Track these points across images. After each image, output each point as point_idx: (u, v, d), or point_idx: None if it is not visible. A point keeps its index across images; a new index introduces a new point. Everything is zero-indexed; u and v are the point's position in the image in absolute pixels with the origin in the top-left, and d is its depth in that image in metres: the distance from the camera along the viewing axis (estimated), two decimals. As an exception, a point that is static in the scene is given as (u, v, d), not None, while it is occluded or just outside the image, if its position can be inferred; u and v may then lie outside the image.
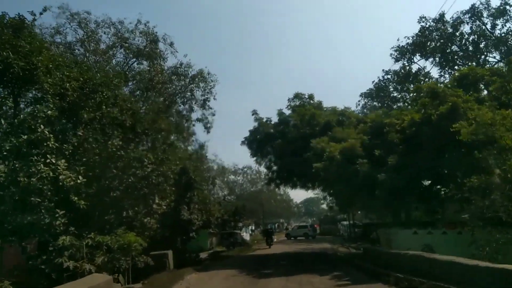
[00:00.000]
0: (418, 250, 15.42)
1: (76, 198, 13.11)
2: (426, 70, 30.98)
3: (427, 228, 18.96)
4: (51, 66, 15.01)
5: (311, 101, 25.63)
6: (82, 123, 17.49)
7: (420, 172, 17.59)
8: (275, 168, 26.93)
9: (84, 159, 16.07)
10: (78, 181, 13.24)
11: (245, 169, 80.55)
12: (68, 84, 15.30)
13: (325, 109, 25.33)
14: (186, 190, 20.81)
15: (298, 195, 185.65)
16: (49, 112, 13.99)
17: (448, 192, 18.40)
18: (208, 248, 44.97)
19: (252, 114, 26.95)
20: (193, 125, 36.78)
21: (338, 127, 22.46)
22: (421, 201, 19.82)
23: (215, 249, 45.28)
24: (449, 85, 19.63)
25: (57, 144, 13.49)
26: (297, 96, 26.03)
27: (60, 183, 12.71)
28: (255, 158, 27.38)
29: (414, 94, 20.81)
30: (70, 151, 14.96)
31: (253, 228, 77.78)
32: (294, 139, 23.97)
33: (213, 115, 35.12)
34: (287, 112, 25.87)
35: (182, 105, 34.98)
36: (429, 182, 20.05)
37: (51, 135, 13.32)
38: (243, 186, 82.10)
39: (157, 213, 20.11)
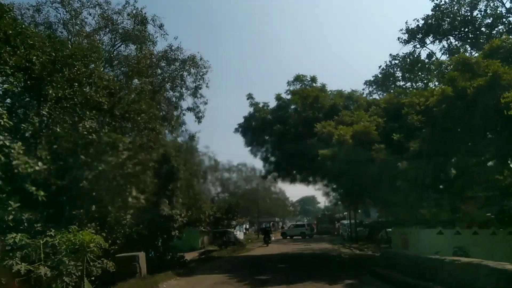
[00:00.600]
0: (448, 254, 12.24)
1: (33, 188, 10.87)
2: (436, 56, 27.69)
3: (445, 227, 15.74)
4: (11, 33, 12.66)
5: (314, 84, 22.21)
6: (48, 101, 14.63)
7: (449, 159, 14.31)
8: (272, 159, 23.47)
9: (50, 144, 13.35)
10: (37, 167, 11.37)
11: (240, 166, 77.66)
12: (34, 58, 12.98)
13: (329, 92, 21.94)
14: (168, 181, 17.41)
15: (294, 193, 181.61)
16: (6, 86, 12.17)
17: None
18: (200, 247, 41.67)
19: (247, 99, 23.51)
20: (183, 114, 33.36)
21: (346, 111, 19.12)
22: (445, 195, 16.57)
23: (207, 248, 42.05)
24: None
25: (10, 122, 10.98)
26: (298, 78, 22.57)
27: (15, 170, 10.62)
28: (249, 148, 23.94)
29: (436, 72, 17.49)
30: (31, 133, 12.69)
31: (248, 226, 74.36)
32: (295, 124, 20.57)
33: (205, 103, 31.78)
34: (287, 97, 22.42)
35: (171, 91, 31.55)
36: (455, 173, 16.83)
37: (5, 112, 10.97)
38: (238, 184, 78.85)
39: (134, 207, 16.78)
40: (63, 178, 13.93)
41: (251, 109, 23.63)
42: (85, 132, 15.41)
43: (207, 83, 30.28)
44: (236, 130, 23.77)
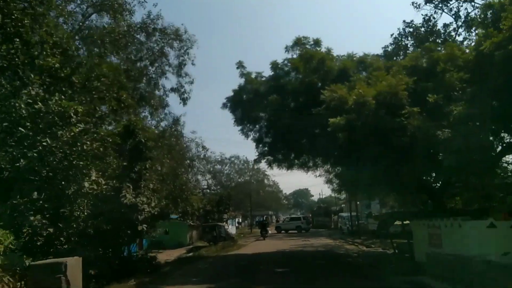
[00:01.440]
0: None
1: None
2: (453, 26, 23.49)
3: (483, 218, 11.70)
4: None
5: (318, 48, 17.91)
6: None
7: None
8: (267, 139, 19.18)
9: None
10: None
11: (233, 159, 73.42)
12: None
13: (336, 57, 17.68)
14: (133, 161, 13.08)
15: (287, 186, 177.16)
16: None
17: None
18: (188, 243, 37.47)
19: (237, 67, 19.14)
20: (167, 95, 28.94)
21: (360, 75, 14.95)
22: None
23: (196, 244, 37.98)
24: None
25: None
26: (299, 42, 18.15)
27: None
28: (240, 127, 19.64)
29: (482, 16, 13.27)
30: None
31: (240, 220, 70.26)
32: (295, 93, 16.33)
33: (191, 83, 27.36)
34: (285, 66, 18.08)
35: (151, 68, 27.02)
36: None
37: None
38: (230, 177, 74.62)
39: (92, 195, 12.55)
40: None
41: (242, 81, 19.33)
42: (30, 101, 11.43)
43: (193, 60, 25.87)
44: (224, 105, 19.45)
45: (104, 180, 12.88)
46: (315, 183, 73.45)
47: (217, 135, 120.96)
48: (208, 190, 51.14)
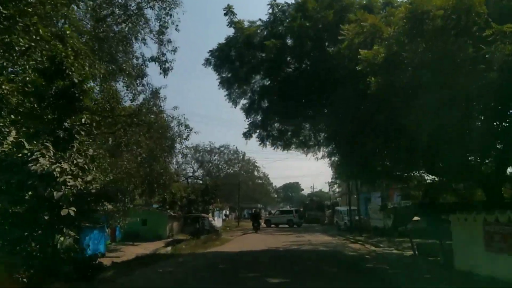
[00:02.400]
0: None
1: None
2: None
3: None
4: None
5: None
6: None
7: None
8: (262, 104, 14.54)
9: None
10: None
11: (222, 148, 68.73)
12: None
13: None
14: (61, 113, 8.27)
15: (277, 179, 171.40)
16: None
17: None
18: (167, 236, 32.82)
19: (225, 14, 14.43)
20: (146, 65, 24.04)
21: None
22: None
23: (177, 237, 33.44)
24: None
25: None
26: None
27: None
28: (227, 91, 15.00)
29: None
30: None
31: (228, 213, 65.73)
32: (300, 37, 11.70)
33: (174, 51, 22.48)
34: (288, 8, 13.39)
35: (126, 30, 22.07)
36: None
37: None
38: (219, 167, 69.98)
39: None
40: None
41: (231, 32, 14.64)
42: None
43: (177, 26, 21.00)
44: (207, 61, 14.71)
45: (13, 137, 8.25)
46: (306, 174, 69.32)
47: (204, 112, 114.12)
48: (194, 179, 46.35)
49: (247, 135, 15.50)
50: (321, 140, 16.91)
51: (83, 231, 19.32)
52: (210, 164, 67.31)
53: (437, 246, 13.41)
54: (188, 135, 25.22)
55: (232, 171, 66.88)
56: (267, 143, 16.07)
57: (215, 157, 69.98)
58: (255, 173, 74.84)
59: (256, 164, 73.64)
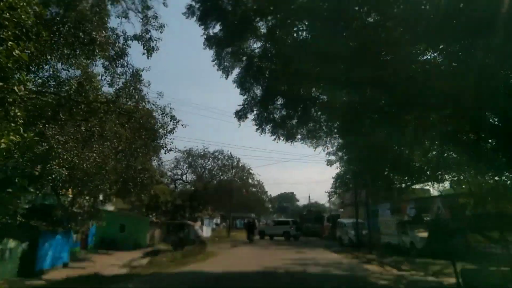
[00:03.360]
0: None
1: None
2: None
3: None
4: None
5: None
6: None
7: None
8: (265, 73, 10.29)
9: None
10: None
11: (216, 153, 64.22)
12: None
13: None
14: None
15: (272, 189, 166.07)
16: None
17: None
18: (148, 244, 28.27)
19: None
20: (127, 45, 19.76)
21: None
22: None
23: (158, 246, 28.92)
24: None
25: None
26: None
27: None
28: (215, 56, 10.77)
29: None
30: None
31: (219, 221, 61.00)
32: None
33: (161, 29, 18.30)
34: None
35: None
36: None
37: None
38: (213, 173, 65.37)
39: None
40: None
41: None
42: None
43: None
44: (190, 10, 10.47)
45: None
46: (303, 184, 64.75)
47: (194, 100, 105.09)
48: (183, 183, 41.69)
49: (240, 114, 11.21)
50: (335, 129, 12.68)
51: (41, 236, 15.13)
52: (203, 170, 62.89)
53: (491, 274, 9.18)
54: (174, 128, 20.91)
55: (225, 178, 62.29)
56: (267, 129, 11.81)
57: (209, 162, 65.62)
58: (250, 180, 70.27)
59: (251, 171, 69.14)
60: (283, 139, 12.96)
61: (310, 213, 47.50)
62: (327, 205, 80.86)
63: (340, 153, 21.10)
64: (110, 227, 28.07)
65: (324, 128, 12.94)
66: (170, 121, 21.18)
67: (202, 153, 61.72)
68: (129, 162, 20.39)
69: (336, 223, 35.69)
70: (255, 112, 11.26)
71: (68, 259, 17.79)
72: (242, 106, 11.14)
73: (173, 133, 21.77)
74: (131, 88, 19.44)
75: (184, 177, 41.93)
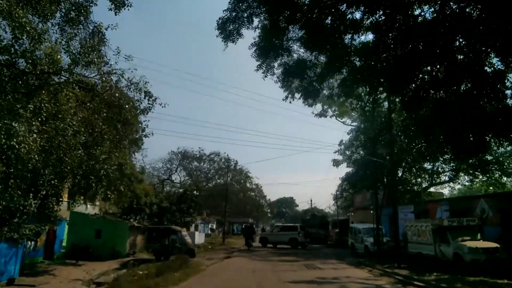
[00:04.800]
0: None
1: None
2: None
3: None
4: None
5: None
6: None
7: None
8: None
9: None
10: None
11: (212, 156, 59.36)
12: None
13: None
14: None
15: (270, 193, 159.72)
16: None
17: None
18: (127, 253, 23.41)
19: None
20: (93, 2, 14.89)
21: None
22: None
23: (138, 255, 24.11)
24: None
25: None
26: None
27: None
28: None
29: None
30: None
31: (214, 227, 55.78)
32: None
33: None
34: None
35: None
36: None
37: None
38: (209, 176, 60.41)
39: None
40: None
41: None
42: None
43: None
44: None
45: None
46: (302, 191, 59.68)
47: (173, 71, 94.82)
48: (170, 181, 36.49)
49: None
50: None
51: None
52: (198, 173, 57.92)
53: None
54: (150, 107, 15.95)
55: (222, 181, 57.28)
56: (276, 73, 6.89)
57: (205, 165, 60.69)
58: (248, 184, 65.15)
59: (249, 174, 64.11)
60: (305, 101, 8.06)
61: (314, 218, 42.23)
62: (327, 210, 75.81)
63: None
64: (84, 232, 23.39)
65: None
66: (144, 98, 16.17)
67: (198, 155, 57.07)
68: (91, 150, 15.47)
69: (348, 229, 30.63)
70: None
71: (17, 273, 14.01)
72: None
73: (148, 113, 16.86)
74: (91, 50, 14.47)
75: (173, 177, 36.51)
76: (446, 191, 40.22)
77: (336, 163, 37.65)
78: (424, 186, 32.39)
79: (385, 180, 28.01)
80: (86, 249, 21.68)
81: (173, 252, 21.73)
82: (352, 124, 34.13)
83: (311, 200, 77.78)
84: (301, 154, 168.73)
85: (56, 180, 14.42)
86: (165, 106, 16.48)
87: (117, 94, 15.33)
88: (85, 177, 15.40)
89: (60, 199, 15.42)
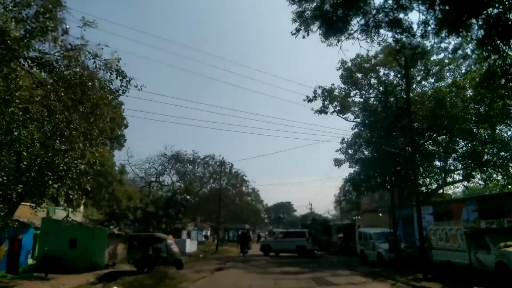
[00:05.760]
0: None
1: None
2: None
3: None
4: None
5: None
6: None
7: None
8: None
9: None
10: None
11: (207, 159, 56.17)
12: None
13: None
14: None
15: (267, 199, 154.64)
16: None
17: None
18: (106, 264, 20.54)
19: None
20: None
21: None
22: None
23: (119, 267, 21.11)
24: None
25: None
26: None
27: None
28: None
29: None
30: None
31: (209, 233, 52.39)
32: None
33: None
34: None
35: None
36: None
37: None
38: (204, 180, 57.14)
39: None
40: None
41: None
42: None
43: None
44: None
45: None
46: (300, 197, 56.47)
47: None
48: (157, 183, 33.18)
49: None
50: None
51: None
52: (193, 177, 54.63)
53: None
54: (125, 89, 12.90)
55: (217, 186, 54.05)
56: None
57: (199, 169, 57.45)
58: (244, 188, 61.90)
59: (245, 178, 60.87)
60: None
61: (316, 223, 38.96)
62: (326, 215, 72.63)
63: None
64: (57, 241, 20.43)
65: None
66: (117, 78, 13.11)
67: (191, 158, 53.90)
68: (46, 142, 12.44)
69: (353, 234, 27.50)
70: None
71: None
72: None
73: (121, 95, 13.78)
74: (44, 12, 11.61)
75: (162, 179, 33.17)
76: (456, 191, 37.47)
77: (337, 163, 34.67)
78: (434, 186, 29.58)
79: (393, 178, 25.18)
80: (59, 261, 18.83)
81: (158, 263, 18.79)
82: (354, 120, 31.33)
83: (310, 204, 74.06)
84: (299, 156, 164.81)
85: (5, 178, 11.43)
86: (141, 89, 13.48)
87: (81, 71, 12.35)
88: (41, 173, 12.36)
89: (13, 201, 12.25)
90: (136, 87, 13.29)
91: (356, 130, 29.86)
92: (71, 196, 12.71)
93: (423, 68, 22.16)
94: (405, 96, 17.56)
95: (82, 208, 28.93)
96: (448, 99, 19.58)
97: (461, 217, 17.44)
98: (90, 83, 11.68)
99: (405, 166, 24.58)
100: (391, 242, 18.07)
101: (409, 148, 18.40)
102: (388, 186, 25.64)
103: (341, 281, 13.20)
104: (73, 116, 12.06)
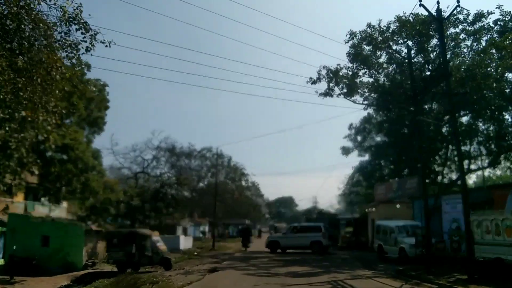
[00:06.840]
0: None
1: None
2: None
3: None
4: None
5: None
6: None
7: None
8: None
9: None
10: None
11: (204, 152, 53.37)
12: None
13: None
14: None
15: (267, 194, 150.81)
16: None
17: None
18: (84, 265, 17.39)
19: None
20: None
21: None
22: None
23: (99, 266, 18.21)
24: None
25: None
26: None
27: None
28: None
29: None
30: None
31: (207, 229, 49.54)
32: None
33: None
34: None
35: None
36: None
37: None
38: (201, 174, 54.40)
39: None
40: None
41: None
42: None
43: None
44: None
45: None
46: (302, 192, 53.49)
47: None
48: (145, 174, 30.09)
49: None
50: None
51: None
52: (189, 171, 51.69)
53: None
54: (89, 46, 9.78)
55: (215, 180, 51.14)
56: None
57: (196, 163, 54.55)
58: (243, 182, 58.99)
59: (244, 171, 58.05)
60: None
61: (322, 216, 35.75)
62: (329, 209, 69.71)
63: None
64: (27, 240, 17.58)
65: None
66: (77, 31, 9.82)
67: (188, 152, 51.02)
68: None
69: (365, 228, 24.52)
70: None
71: None
72: None
73: (86, 53, 10.58)
74: None
75: (145, 167, 30.01)
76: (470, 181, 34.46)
77: (345, 151, 31.70)
78: (454, 176, 26.53)
79: (422, 157, 21.96)
80: (29, 261, 16.01)
81: (142, 262, 16.04)
82: (363, 102, 28.20)
83: (315, 198, 71.12)
84: (302, 149, 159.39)
85: None
86: (109, 46, 10.32)
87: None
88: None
89: None
90: (103, 43, 10.16)
91: (369, 111, 26.68)
92: (9, 181, 9.59)
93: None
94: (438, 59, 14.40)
95: (65, 203, 25.97)
96: (482, 66, 16.47)
97: (506, 207, 14.41)
98: (30, 25, 8.55)
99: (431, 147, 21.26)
100: (419, 236, 15.13)
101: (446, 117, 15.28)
102: (406, 174, 22.64)
103: (362, 284, 10.21)
104: (9, 73, 8.95)
